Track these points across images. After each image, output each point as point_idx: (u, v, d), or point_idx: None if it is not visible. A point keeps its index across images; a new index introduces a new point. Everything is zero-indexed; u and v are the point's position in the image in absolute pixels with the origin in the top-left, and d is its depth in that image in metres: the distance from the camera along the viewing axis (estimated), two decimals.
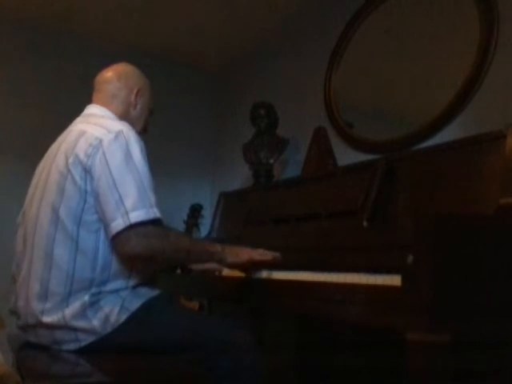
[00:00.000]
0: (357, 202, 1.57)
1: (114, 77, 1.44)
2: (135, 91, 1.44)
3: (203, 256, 1.37)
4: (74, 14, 2.77)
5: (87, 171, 1.20)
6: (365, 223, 1.49)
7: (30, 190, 1.36)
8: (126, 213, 1.15)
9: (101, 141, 1.21)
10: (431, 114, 1.89)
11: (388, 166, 1.58)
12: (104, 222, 1.19)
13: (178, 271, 1.85)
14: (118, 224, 1.15)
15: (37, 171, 1.40)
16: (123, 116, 1.41)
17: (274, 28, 2.89)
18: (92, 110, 1.41)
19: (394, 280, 1.05)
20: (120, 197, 1.16)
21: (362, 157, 2.11)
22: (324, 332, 1.82)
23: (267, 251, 1.40)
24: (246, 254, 1.38)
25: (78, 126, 1.32)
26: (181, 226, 2.98)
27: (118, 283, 1.24)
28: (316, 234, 1.57)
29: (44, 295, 1.20)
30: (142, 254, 1.18)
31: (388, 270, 1.09)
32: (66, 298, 1.19)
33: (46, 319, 1.19)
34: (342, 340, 1.81)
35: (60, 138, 1.35)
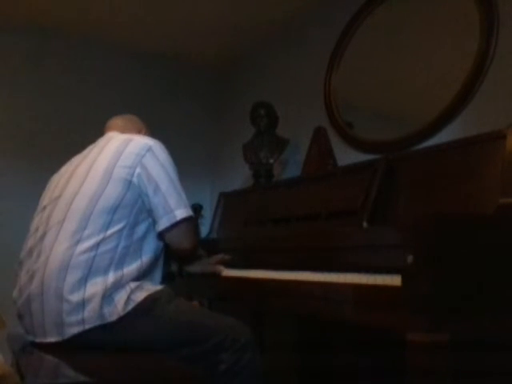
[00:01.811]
0: (357, 202, 1.57)
1: (122, 119, 1.64)
2: (142, 132, 1.64)
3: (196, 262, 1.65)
4: (74, 15, 2.76)
5: (140, 166, 1.34)
6: (365, 223, 1.49)
7: (60, 183, 1.41)
8: (185, 205, 1.40)
9: (150, 146, 1.39)
10: (431, 114, 1.89)
11: (388, 166, 1.58)
12: (163, 212, 1.35)
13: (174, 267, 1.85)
14: (182, 212, 1.37)
15: (61, 171, 1.49)
16: None
17: (274, 28, 2.89)
18: (111, 134, 1.52)
19: (394, 280, 1.05)
20: (179, 191, 1.40)
21: (362, 157, 2.11)
22: (324, 332, 1.82)
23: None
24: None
25: (115, 136, 1.46)
26: None
27: (133, 273, 1.29)
28: (316, 234, 1.57)
29: (62, 278, 1.22)
30: (189, 248, 1.45)
31: (388, 270, 1.09)
32: (84, 283, 1.21)
33: (63, 294, 1.21)
34: (342, 340, 1.82)
35: (91, 150, 1.46)
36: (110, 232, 1.26)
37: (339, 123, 2.35)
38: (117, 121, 1.64)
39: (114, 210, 1.29)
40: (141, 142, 1.41)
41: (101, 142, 1.48)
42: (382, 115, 2.20)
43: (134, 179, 1.33)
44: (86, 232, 1.25)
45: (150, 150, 1.38)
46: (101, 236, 1.25)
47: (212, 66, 3.45)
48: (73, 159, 1.51)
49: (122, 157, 1.35)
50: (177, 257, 1.60)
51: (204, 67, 3.46)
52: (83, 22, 2.85)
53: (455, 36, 1.87)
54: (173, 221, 1.36)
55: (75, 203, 1.30)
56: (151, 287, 1.32)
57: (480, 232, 1.10)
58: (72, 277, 1.21)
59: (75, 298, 1.20)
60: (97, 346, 1.20)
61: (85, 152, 1.48)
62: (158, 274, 1.42)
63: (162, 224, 1.36)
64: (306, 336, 1.97)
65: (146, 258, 1.33)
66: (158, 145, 1.42)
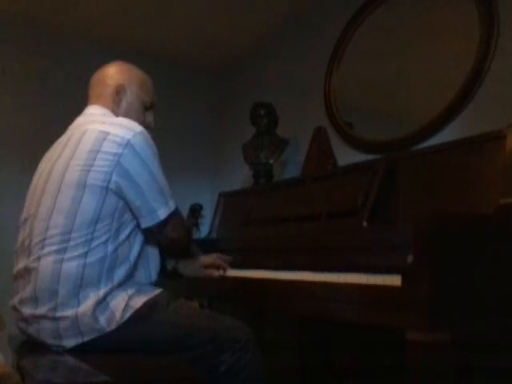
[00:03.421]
0: (357, 201, 1.57)
1: (99, 77, 1.47)
2: (116, 89, 1.44)
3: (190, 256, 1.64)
4: (74, 15, 2.76)
5: (118, 169, 1.25)
6: (365, 223, 1.49)
7: (35, 191, 1.35)
8: (167, 202, 1.33)
9: (129, 140, 1.27)
10: (431, 113, 1.89)
11: (388, 166, 1.58)
12: (146, 213, 1.30)
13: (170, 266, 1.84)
14: (163, 212, 1.31)
15: (38, 172, 1.39)
16: (114, 113, 1.42)
17: (274, 28, 2.89)
18: (91, 110, 1.43)
19: (394, 280, 1.05)
20: (160, 188, 1.32)
21: (362, 157, 2.11)
22: (324, 332, 1.82)
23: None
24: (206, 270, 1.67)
25: (90, 126, 1.33)
26: None
27: (122, 278, 1.26)
28: (316, 234, 1.57)
29: (55, 291, 1.20)
30: (177, 238, 1.40)
31: (388, 270, 1.09)
32: (76, 295, 1.20)
33: (56, 314, 1.20)
34: (342, 340, 1.82)
35: (67, 140, 1.34)
36: (94, 244, 1.22)
37: (339, 123, 2.35)
38: (93, 88, 1.47)
39: (95, 222, 1.23)
40: (118, 136, 1.27)
41: (76, 132, 1.34)
42: (382, 115, 2.20)
43: (112, 185, 1.24)
44: (70, 247, 1.21)
45: (128, 145, 1.26)
46: (85, 249, 1.21)
47: (212, 66, 3.45)
48: (47, 154, 1.42)
49: (98, 159, 1.25)
50: (169, 252, 1.57)
51: (204, 67, 3.46)
52: (83, 22, 2.86)
53: (455, 36, 1.87)
54: (156, 220, 1.31)
55: (53, 220, 1.24)
56: (149, 291, 1.30)
57: (480, 232, 1.10)
58: (64, 291, 1.19)
59: (69, 313, 1.19)
60: (97, 351, 1.20)
61: (59, 147, 1.36)
62: (144, 269, 1.37)
63: (145, 223, 1.31)
64: (306, 336, 1.97)
65: (133, 257, 1.31)
66: (137, 136, 1.28)
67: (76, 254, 1.21)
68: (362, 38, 2.31)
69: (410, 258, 1.01)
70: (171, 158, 3.28)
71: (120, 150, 1.25)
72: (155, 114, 1.57)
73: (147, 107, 1.51)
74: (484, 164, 1.33)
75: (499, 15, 1.74)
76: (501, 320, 1.07)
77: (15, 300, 1.31)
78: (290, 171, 2.64)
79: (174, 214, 1.35)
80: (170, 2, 2.67)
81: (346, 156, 2.18)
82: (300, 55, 2.74)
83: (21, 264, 1.30)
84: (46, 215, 1.25)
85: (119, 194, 1.26)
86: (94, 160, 1.25)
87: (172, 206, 1.35)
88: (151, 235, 1.38)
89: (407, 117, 2.05)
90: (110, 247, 1.24)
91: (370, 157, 2.02)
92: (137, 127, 1.31)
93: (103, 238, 1.23)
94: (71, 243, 1.21)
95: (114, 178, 1.24)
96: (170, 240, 1.39)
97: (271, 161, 2.49)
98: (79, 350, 1.20)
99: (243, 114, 2.67)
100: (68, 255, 1.21)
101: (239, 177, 3.02)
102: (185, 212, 3.01)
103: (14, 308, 1.31)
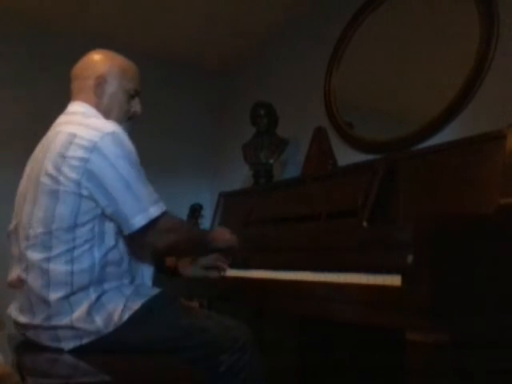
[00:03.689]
0: (357, 202, 1.57)
1: (78, 69, 1.39)
2: (96, 80, 1.36)
3: (201, 248, 1.52)
4: (73, 14, 2.76)
5: (86, 175, 1.18)
6: (365, 223, 1.49)
7: (19, 198, 1.33)
8: (146, 209, 1.21)
9: (96, 143, 1.19)
10: (431, 113, 1.89)
11: (388, 166, 1.58)
12: (121, 220, 1.22)
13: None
14: (138, 220, 1.20)
15: (24, 175, 1.36)
16: (98, 108, 1.35)
17: (274, 28, 2.89)
18: (73, 107, 1.36)
19: (394, 280, 1.05)
20: (135, 194, 1.20)
21: (362, 157, 2.11)
22: (324, 332, 1.82)
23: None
24: (229, 237, 1.56)
25: (64, 127, 1.27)
26: None
27: (116, 281, 1.25)
28: (316, 234, 1.57)
29: (46, 301, 1.19)
30: (162, 247, 1.29)
31: (388, 270, 1.09)
32: (68, 302, 1.19)
33: (51, 323, 1.20)
34: (342, 340, 1.81)
35: (46, 141, 1.30)
36: (78, 252, 1.19)
37: (339, 123, 2.35)
38: (74, 81, 1.39)
39: (73, 229, 1.18)
40: (84, 138, 1.19)
41: (51, 134, 1.29)
42: (382, 115, 2.20)
43: (83, 191, 1.18)
44: (53, 256, 1.19)
45: (95, 149, 1.18)
46: (69, 257, 1.19)
47: (212, 66, 3.45)
48: (32, 155, 1.36)
49: (64, 166, 1.19)
50: (162, 257, 1.56)
51: (204, 67, 3.47)
52: (83, 22, 2.86)
53: (455, 36, 1.87)
54: (132, 229, 1.21)
55: (32, 230, 1.21)
56: (147, 292, 1.28)
57: (480, 232, 1.10)
58: (55, 298, 1.18)
59: (64, 321, 1.19)
60: (97, 352, 1.20)
61: (38, 150, 1.33)
62: (138, 272, 1.33)
63: (124, 231, 1.23)
64: (306, 336, 1.97)
65: (125, 261, 1.28)
66: (106, 138, 1.20)
67: (60, 262, 1.19)
68: (362, 37, 2.31)
69: (409, 258, 1.01)
70: (171, 158, 3.29)
71: (87, 155, 1.18)
72: (142, 101, 1.47)
73: (132, 95, 1.41)
74: (484, 164, 1.33)
75: (499, 15, 1.74)
76: (501, 320, 1.07)
77: (12, 309, 1.31)
78: (290, 171, 2.64)
79: (157, 221, 1.23)
80: (171, 2, 2.67)
81: (346, 156, 2.18)
82: (300, 55, 2.74)
83: (14, 273, 1.29)
84: (27, 224, 1.23)
85: (94, 200, 1.20)
86: (62, 166, 1.19)
87: (154, 212, 1.22)
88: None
89: (407, 117, 2.05)
90: (98, 254, 1.21)
91: (370, 157, 2.02)
92: (107, 128, 1.22)
93: (87, 246, 1.20)
94: (53, 252, 1.19)
95: (85, 183, 1.18)
96: (156, 248, 1.32)
97: (271, 161, 2.49)
98: (78, 351, 1.20)
99: (243, 113, 2.67)
100: (52, 265, 1.19)
101: (239, 177, 3.02)
102: (185, 212, 3.01)
103: (12, 317, 1.31)
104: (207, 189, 3.41)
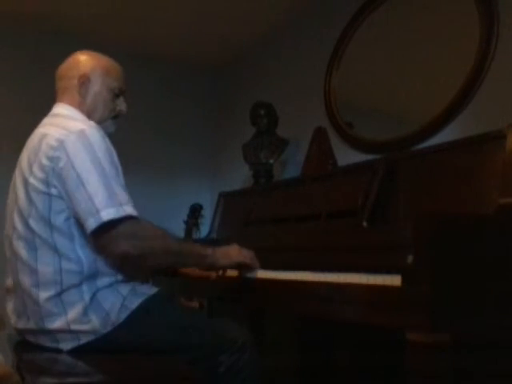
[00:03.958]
0: (357, 202, 1.57)
1: (63, 70, 1.39)
2: (79, 79, 1.35)
3: (195, 259, 1.36)
4: (73, 15, 2.76)
5: (52, 174, 1.18)
6: (365, 223, 1.49)
7: (9, 203, 1.33)
8: (97, 212, 1.13)
9: (62, 142, 1.18)
10: (431, 113, 1.89)
11: (388, 166, 1.58)
12: (79, 222, 1.18)
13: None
14: (90, 224, 1.13)
15: (13, 178, 1.36)
16: (81, 108, 1.35)
17: (274, 28, 2.89)
18: (57, 109, 1.37)
19: (394, 280, 1.05)
20: (89, 196, 1.14)
21: (362, 157, 2.11)
22: (324, 332, 1.82)
23: (253, 255, 1.44)
24: (236, 255, 1.40)
25: (44, 128, 1.28)
26: (181, 226, 2.98)
27: (108, 278, 1.23)
28: (316, 234, 1.57)
29: (37, 302, 1.19)
30: (118, 254, 1.18)
31: (388, 270, 1.09)
32: (61, 302, 1.19)
33: (46, 325, 1.20)
34: (342, 340, 1.81)
35: (29, 143, 1.31)
36: (62, 250, 1.19)
37: (339, 123, 2.35)
38: (58, 81, 1.39)
39: (50, 229, 1.18)
40: (53, 137, 1.20)
41: (33, 135, 1.31)
42: (382, 115, 2.20)
43: (52, 191, 1.18)
44: (39, 255, 1.19)
45: (61, 148, 1.17)
46: (55, 255, 1.19)
47: (212, 66, 3.45)
48: (20, 156, 1.36)
49: (35, 165, 1.20)
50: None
51: (203, 67, 3.47)
52: (82, 23, 2.85)
53: (455, 36, 1.87)
54: (87, 232, 1.15)
55: (16, 231, 1.23)
56: (145, 291, 1.27)
57: (480, 232, 1.10)
58: (44, 298, 1.18)
59: (59, 323, 1.18)
60: (95, 352, 1.20)
61: (22, 154, 1.34)
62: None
63: (88, 227, 1.15)
64: (306, 336, 1.97)
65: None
66: (72, 136, 1.18)
67: (47, 260, 1.19)
68: (362, 38, 2.31)
69: (409, 258, 1.01)
70: (171, 158, 3.29)
71: (55, 154, 1.17)
72: (126, 101, 1.47)
73: (117, 94, 1.41)
74: (484, 164, 1.33)
75: (499, 15, 1.74)
76: (501, 320, 1.07)
77: (9, 311, 1.32)
78: (290, 171, 2.64)
79: (113, 225, 1.14)
80: (170, 3, 2.67)
81: (346, 156, 2.18)
82: (300, 55, 2.74)
83: (9, 278, 1.30)
84: (12, 226, 1.25)
85: (63, 199, 1.18)
86: (33, 166, 1.20)
87: (106, 215, 1.13)
88: None
89: (407, 117, 2.05)
90: (82, 252, 1.20)
91: (369, 157, 2.02)
92: (76, 127, 1.21)
93: (70, 245, 1.19)
94: (39, 251, 1.20)
95: (53, 182, 1.18)
96: (111, 255, 1.21)
97: (271, 161, 2.49)
98: (77, 351, 1.20)
99: (243, 113, 2.67)
100: (40, 263, 1.19)
101: (239, 177, 3.02)
102: (185, 212, 3.01)
103: (12, 324, 1.31)
104: (207, 189, 3.41)
